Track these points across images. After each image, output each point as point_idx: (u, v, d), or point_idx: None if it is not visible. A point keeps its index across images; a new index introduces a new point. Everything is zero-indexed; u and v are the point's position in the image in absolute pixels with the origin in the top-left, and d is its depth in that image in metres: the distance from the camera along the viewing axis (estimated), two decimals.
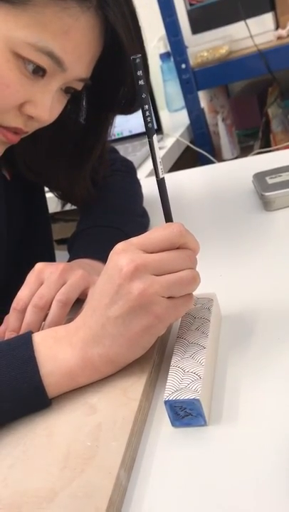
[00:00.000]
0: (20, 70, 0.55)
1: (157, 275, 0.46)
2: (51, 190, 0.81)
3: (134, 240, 0.48)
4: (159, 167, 0.48)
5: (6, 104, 0.56)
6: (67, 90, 0.61)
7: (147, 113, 0.45)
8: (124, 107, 0.68)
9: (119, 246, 0.48)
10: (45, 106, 0.58)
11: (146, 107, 0.45)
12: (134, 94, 0.63)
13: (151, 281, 0.45)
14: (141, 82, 0.44)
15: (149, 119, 0.46)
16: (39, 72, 0.56)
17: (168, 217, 0.51)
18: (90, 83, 0.62)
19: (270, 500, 0.36)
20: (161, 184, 0.50)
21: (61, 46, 0.54)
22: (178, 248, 0.48)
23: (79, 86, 0.62)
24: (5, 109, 0.57)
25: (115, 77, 0.64)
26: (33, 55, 0.54)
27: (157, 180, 0.49)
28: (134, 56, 0.43)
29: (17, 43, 0.53)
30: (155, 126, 1.69)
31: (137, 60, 0.43)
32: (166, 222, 0.51)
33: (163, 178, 0.49)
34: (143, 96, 0.45)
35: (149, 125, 0.46)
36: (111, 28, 0.57)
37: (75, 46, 0.55)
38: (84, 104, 0.71)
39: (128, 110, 0.69)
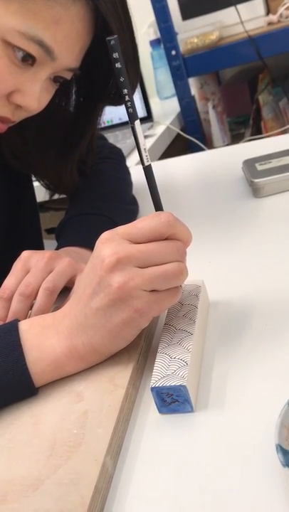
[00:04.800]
0: (9, 57, 0.54)
1: (142, 267, 0.45)
2: (38, 179, 0.80)
3: (120, 230, 0.47)
4: (144, 154, 0.47)
5: None
6: (56, 80, 0.61)
7: (127, 97, 0.44)
8: (113, 98, 0.68)
9: (105, 235, 0.47)
10: (34, 95, 0.57)
11: (126, 91, 0.44)
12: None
13: (133, 274, 0.44)
14: (118, 65, 0.43)
15: (129, 103, 0.44)
16: (28, 60, 0.55)
17: (157, 206, 0.50)
18: (79, 73, 0.61)
19: (256, 484, 0.36)
20: (148, 172, 0.48)
21: (51, 35, 0.53)
22: (167, 239, 0.46)
23: (68, 75, 0.61)
24: None
25: (105, 68, 0.63)
26: (22, 43, 0.53)
27: (143, 168, 0.48)
28: (109, 38, 0.42)
29: (7, 30, 0.52)
30: (144, 114, 1.67)
31: (112, 42, 0.42)
32: (156, 211, 0.49)
33: (149, 165, 0.48)
34: (121, 79, 0.43)
35: (130, 110, 0.44)
36: (101, 18, 0.56)
37: (65, 35, 0.54)
38: (73, 93, 0.70)
39: (117, 101, 0.68)
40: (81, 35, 0.56)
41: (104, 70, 0.64)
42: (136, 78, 0.66)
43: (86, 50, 0.59)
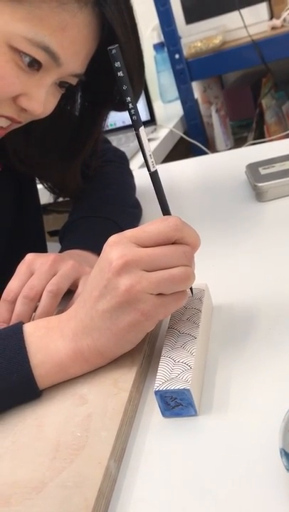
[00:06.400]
0: (16, 62, 0.54)
1: (149, 270, 0.45)
2: (42, 182, 0.80)
3: (128, 233, 0.47)
4: (150, 160, 0.47)
5: (0, 95, 0.56)
6: (62, 85, 0.61)
7: (130, 105, 0.44)
8: (118, 103, 0.68)
9: (113, 238, 0.47)
10: (39, 99, 0.57)
11: (129, 99, 0.44)
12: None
13: (140, 278, 0.44)
14: (120, 74, 0.43)
15: (133, 111, 0.44)
16: (35, 65, 0.55)
17: (165, 211, 0.50)
18: (84, 78, 0.62)
19: (259, 488, 0.36)
20: (154, 177, 0.48)
21: (58, 41, 0.54)
22: (174, 243, 0.46)
23: (73, 81, 0.61)
24: None
25: (110, 74, 0.64)
26: (29, 49, 0.53)
27: (150, 174, 0.48)
28: (110, 47, 0.42)
29: (13, 36, 0.52)
30: (147, 117, 1.68)
31: (113, 51, 0.42)
32: (164, 215, 0.50)
33: (156, 170, 0.48)
34: (124, 88, 0.44)
35: (134, 117, 0.45)
36: (107, 25, 0.56)
37: (71, 42, 0.55)
38: (78, 98, 0.70)
39: (122, 107, 0.69)
40: (87, 42, 0.57)
41: (109, 75, 0.64)
42: (140, 86, 0.66)
43: (92, 56, 0.60)
